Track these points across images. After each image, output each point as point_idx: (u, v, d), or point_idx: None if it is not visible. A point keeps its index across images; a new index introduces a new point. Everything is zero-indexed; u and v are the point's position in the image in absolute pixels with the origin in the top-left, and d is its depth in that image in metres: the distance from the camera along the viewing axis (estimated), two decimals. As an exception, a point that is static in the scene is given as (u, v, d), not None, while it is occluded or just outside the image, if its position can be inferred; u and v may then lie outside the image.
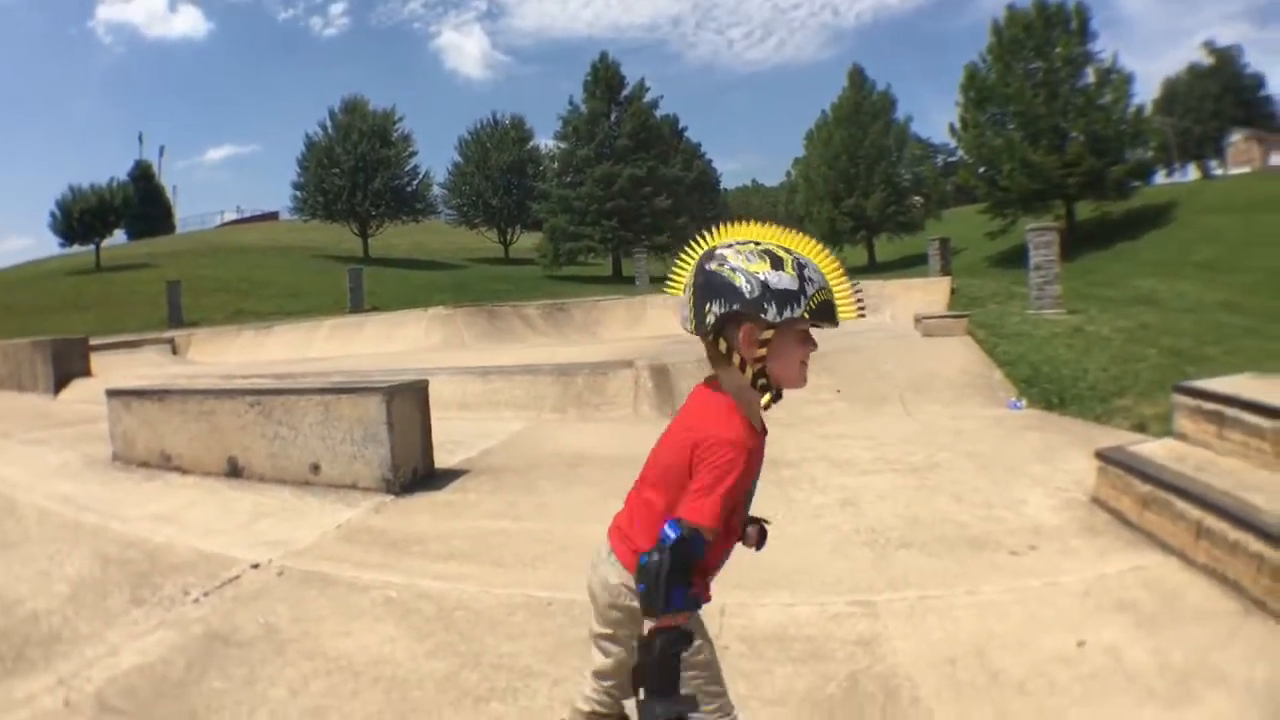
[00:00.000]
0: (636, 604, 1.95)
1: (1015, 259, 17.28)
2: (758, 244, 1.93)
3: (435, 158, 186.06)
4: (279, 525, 4.90)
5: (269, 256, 41.65)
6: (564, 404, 8.74)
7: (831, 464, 6.18)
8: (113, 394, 6.90)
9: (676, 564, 1.84)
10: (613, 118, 45.68)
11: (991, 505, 5.02)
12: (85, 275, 36.56)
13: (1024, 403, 7.95)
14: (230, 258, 40.56)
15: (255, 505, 5.32)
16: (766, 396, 1.96)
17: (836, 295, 1.94)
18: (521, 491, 5.53)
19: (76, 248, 41.50)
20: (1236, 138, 61.00)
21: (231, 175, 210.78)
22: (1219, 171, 60.49)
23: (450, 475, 5.92)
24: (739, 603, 3.61)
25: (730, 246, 1.93)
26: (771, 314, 1.88)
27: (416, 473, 5.70)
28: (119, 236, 45.08)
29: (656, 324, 20.27)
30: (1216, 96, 66.74)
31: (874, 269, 34.77)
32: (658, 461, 2.03)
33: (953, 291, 18.90)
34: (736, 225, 2.01)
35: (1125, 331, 10.99)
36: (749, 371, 1.93)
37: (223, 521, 5.02)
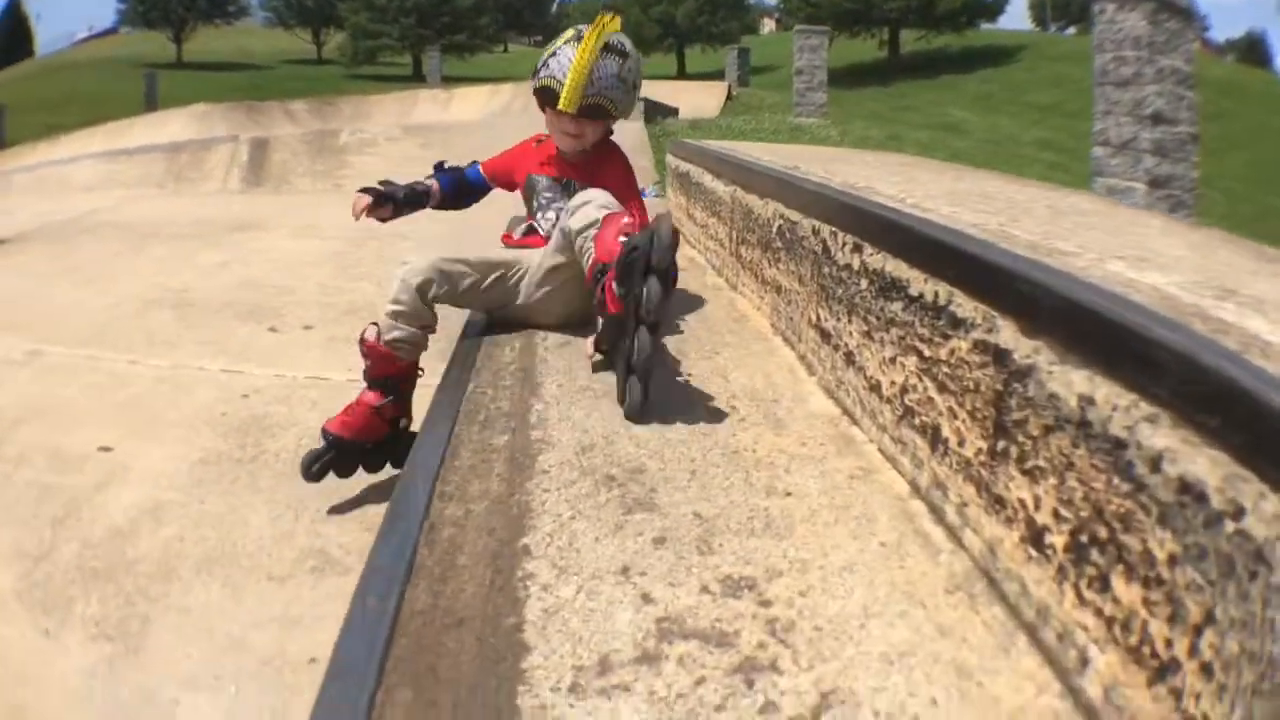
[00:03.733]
0: None
1: (831, 79, 15.31)
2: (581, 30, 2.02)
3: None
4: None
5: (92, 71, 38.42)
6: (166, 180, 8.91)
7: (300, 228, 5.94)
8: None
9: None
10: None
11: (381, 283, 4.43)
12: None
13: (656, 189, 6.63)
14: (59, 76, 37.45)
15: None
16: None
17: (567, 85, 1.98)
18: (19, 254, 5.70)
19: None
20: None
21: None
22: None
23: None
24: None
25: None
26: (531, 79, 2.11)
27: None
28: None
29: (425, 115, 18.57)
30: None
31: (682, 77, 31.56)
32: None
33: (730, 97, 17.98)
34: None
35: (867, 140, 9.60)
36: None
37: None
